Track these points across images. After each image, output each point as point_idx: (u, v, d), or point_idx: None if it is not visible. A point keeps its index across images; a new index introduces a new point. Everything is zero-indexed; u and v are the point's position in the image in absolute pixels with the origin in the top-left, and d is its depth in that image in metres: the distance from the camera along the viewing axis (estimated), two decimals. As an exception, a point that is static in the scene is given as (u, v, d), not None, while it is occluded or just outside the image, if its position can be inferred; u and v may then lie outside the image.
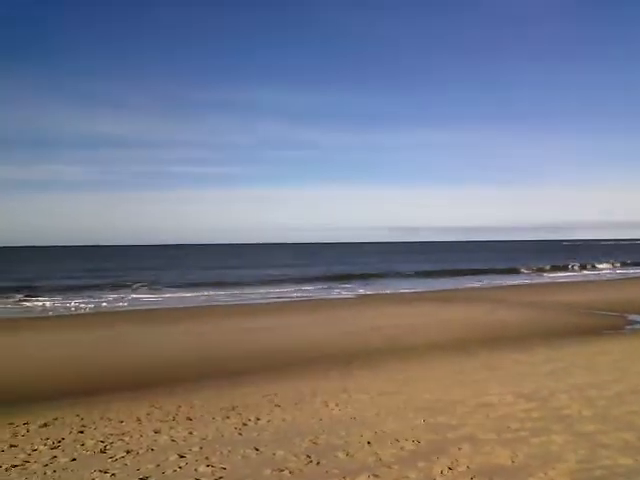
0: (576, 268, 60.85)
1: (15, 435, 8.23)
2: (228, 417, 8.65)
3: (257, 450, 6.30)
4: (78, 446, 7.15)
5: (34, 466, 6.22)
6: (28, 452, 6.97)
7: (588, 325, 19.98)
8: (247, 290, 40.65)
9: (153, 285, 42.42)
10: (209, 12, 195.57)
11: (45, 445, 7.33)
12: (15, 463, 6.40)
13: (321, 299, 33.64)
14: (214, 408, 9.57)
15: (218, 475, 5.39)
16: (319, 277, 48.40)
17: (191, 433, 7.55)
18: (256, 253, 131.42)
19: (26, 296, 35.28)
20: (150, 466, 5.87)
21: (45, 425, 8.92)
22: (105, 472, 5.73)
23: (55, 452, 6.87)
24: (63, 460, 6.41)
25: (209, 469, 5.62)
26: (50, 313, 27.88)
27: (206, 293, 37.67)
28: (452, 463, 5.34)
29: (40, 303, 32.81)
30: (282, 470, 5.45)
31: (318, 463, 5.64)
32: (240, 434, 7.35)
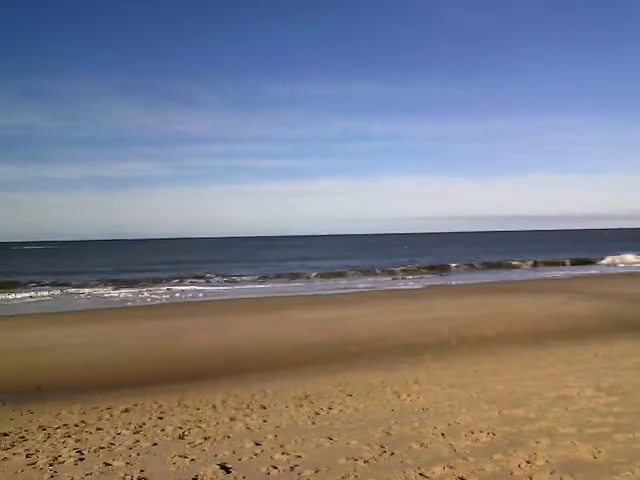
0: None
1: (100, 419, 8.65)
2: (301, 406, 8.78)
3: (331, 439, 6.36)
4: (158, 431, 7.43)
5: (119, 449, 6.50)
6: (113, 435, 7.31)
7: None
8: (317, 281, 41.02)
9: (226, 276, 43.30)
10: (278, 6, 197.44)
11: (128, 429, 7.65)
12: (102, 445, 6.72)
13: (389, 290, 33.50)
14: (287, 397, 9.73)
15: (293, 463, 5.48)
16: (386, 268, 48.08)
17: (265, 421, 7.69)
18: (328, 245, 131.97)
19: (114, 288, 36.87)
20: (227, 453, 6.02)
21: (126, 410, 9.32)
22: (184, 457, 5.92)
23: (137, 436, 7.16)
24: (145, 444, 6.67)
25: (284, 457, 5.71)
26: (129, 304, 29.05)
27: (277, 285, 38.28)
28: (530, 457, 5.21)
29: (119, 294, 34.26)
30: (356, 459, 5.48)
31: (392, 453, 5.64)
32: (313, 423, 7.44)
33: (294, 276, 43.02)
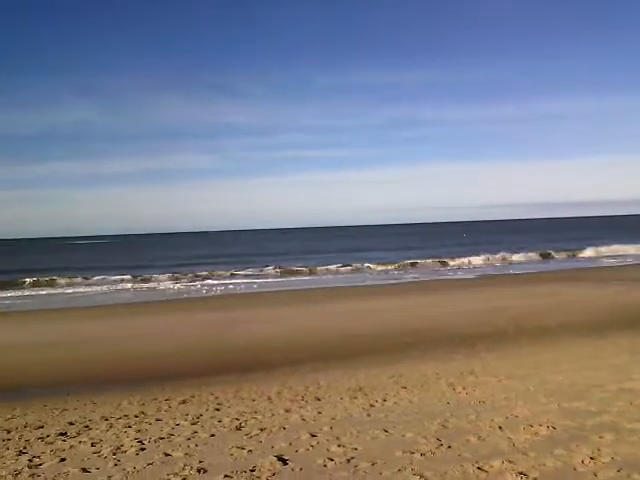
0: None
1: (159, 410, 8.87)
2: (355, 397, 8.78)
3: (386, 431, 6.34)
4: (215, 422, 7.56)
5: (178, 439, 6.65)
6: (172, 426, 7.48)
7: None
8: (370, 271, 40.93)
9: (280, 267, 43.59)
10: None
11: (186, 420, 7.82)
12: (162, 435, 6.89)
13: (441, 279, 33.13)
14: (340, 388, 9.75)
15: (350, 455, 5.48)
16: (438, 257, 47.45)
17: (320, 413, 7.73)
18: (381, 234, 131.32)
19: (170, 280, 37.76)
20: (283, 444, 6.08)
21: (184, 402, 9.53)
22: (242, 448, 6.01)
23: (195, 427, 7.30)
24: (203, 435, 6.80)
25: (340, 449, 5.72)
26: (185, 295, 29.71)
27: (329, 276, 38.39)
28: (594, 452, 5.06)
29: (173, 285, 35.06)
30: (413, 452, 5.45)
31: (449, 447, 5.58)
32: (368, 415, 7.43)
33: (347, 267, 42.86)
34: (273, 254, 66.22)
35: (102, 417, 8.56)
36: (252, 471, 5.16)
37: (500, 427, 6.19)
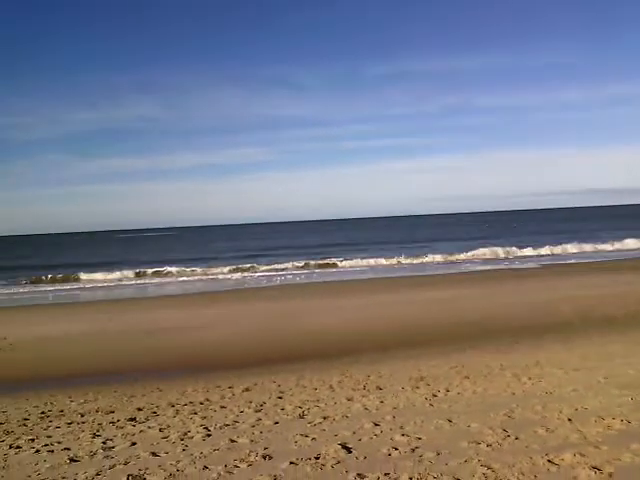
0: None
1: (223, 397, 9.04)
2: (417, 387, 8.70)
3: (450, 421, 6.26)
4: (279, 410, 7.65)
5: (242, 426, 6.76)
6: (236, 413, 7.62)
7: None
8: (430, 260, 40.45)
9: (340, 258, 43.54)
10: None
11: (249, 408, 7.94)
12: (227, 422, 7.02)
13: (505, 269, 32.44)
14: (402, 378, 9.69)
15: (414, 445, 5.44)
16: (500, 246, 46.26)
17: (382, 402, 7.70)
18: (436, 224, 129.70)
19: (231, 270, 38.46)
20: (347, 433, 6.09)
21: (247, 390, 9.68)
22: (306, 436, 6.05)
23: (259, 415, 7.41)
24: (267, 423, 6.89)
25: (404, 438, 5.69)
26: (245, 285, 30.23)
27: (390, 265, 38.19)
28: (672, 447, 4.85)
29: (242, 276, 35.74)
30: (479, 443, 5.35)
31: (517, 438, 5.45)
32: (431, 405, 7.35)
33: (407, 256, 42.39)
34: (333, 245, 66.10)
35: (169, 403, 8.80)
36: (317, 458, 5.19)
37: (569, 419, 6.01)
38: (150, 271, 39.50)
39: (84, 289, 33.21)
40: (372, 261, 40.33)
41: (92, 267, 43.96)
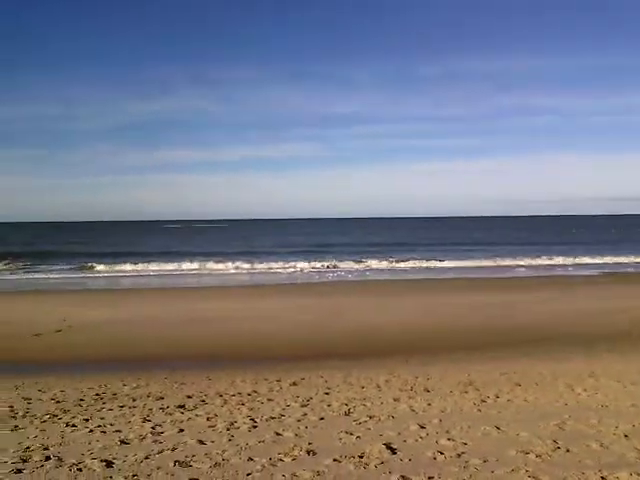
0: None
1: (270, 390, 9.13)
2: (466, 392, 8.57)
3: (498, 429, 6.13)
4: (325, 406, 7.66)
5: (288, 420, 6.81)
6: (283, 407, 7.68)
7: None
8: (480, 264, 39.71)
9: (392, 257, 43.26)
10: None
11: (296, 402, 7.99)
12: (273, 415, 7.08)
13: (561, 275, 31.56)
14: (451, 381, 9.56)
15: (460, 450, 5.35)
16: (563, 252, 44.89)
17: (430, 404, 7.62)
18: (490, 226, 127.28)
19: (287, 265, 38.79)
20: (392, 433, 6.05)
21: (294, 384, 9.74)
22: (350, 434, 6.04)
23: (305, 410, 7.44)
24: (312, 418, 6.92)
25: (450, 443, 5.61)
26: (298, 281, 30.48)
27: (442, 266, 37.71)
28: None
29: (296, 268, 36.07)
30: (527, 453, 5.22)
31: (568, 450, 5.29)
32: (479, 410, 7.22)
33: (458, 258, 41.77)
34: (380, 244, 65.55)
35: (217, 393, 8.95)
36: (360, 457, 5.18)
37: (626, 435, 5.79)
38: (204, 262, 40.15)
39: (138, 276, 34.17)
40: (425, 263, 39.78)
41: (147, 256, 45.19)
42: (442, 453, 5.27)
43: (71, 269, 38.16)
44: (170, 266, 38.13)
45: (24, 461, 5.09)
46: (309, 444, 5.63)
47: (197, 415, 7.22)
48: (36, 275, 35.53)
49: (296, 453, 5.31)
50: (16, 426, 6.71)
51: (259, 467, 4.84)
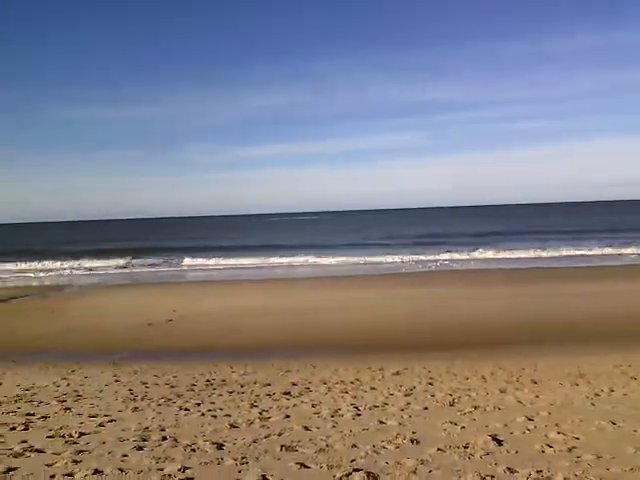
0: None
1: (373, 379, 9.19)
2: (577, 384, 8.21)
3: (614, 424, 5.82)
4: (428, 396, 7.62)
5: (392, 409, 6.83)
6: (386, 395, 7.71)
7: None
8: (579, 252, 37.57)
9: (495, 246, 41.94)
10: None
11: (399, 391, 8.00)
12: (376, 404, 7.14)
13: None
14: (559, 373, 9.18)
15: (571, 444, 5.14)
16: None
17: (537, 397, 7.37)
18: (589, 212, 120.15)
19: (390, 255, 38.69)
20: (498, 424, 5.91)
21: (397, 373, 9.75)
22: (455, 424, 5.97)
23: (408, 399, 7.43)
24: (416, 407, 6.90)
25: (560, 436, 5.40)
26: (404, 270, 30.41)
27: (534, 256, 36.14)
28: None
29: (389, 259, 35.91)
30: (646, 450, 4.94)
31: (693, 450, 4.95)
32: (592, 404, 6.90)
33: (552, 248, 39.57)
34: (490, 233, 63.38)
35: (321, 380, 9.13)
36: (465, 447, 5.11)
37: None
38: (309, 254, 40.75)
39: (244, 268, 35.34)
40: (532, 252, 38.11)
41: (252, 250, 46.63)
42: (551, 446, 5.09)
43: (176, 263, 40.10)
44: (274, 259, 38.90)
45: (144, 440, 5.46)
46: (413, 433, 5.62)
47: (302, 402, 7.41)
48: (148, 269, 37.66)
49: (399, 441, 5.32)
50: (136, 407, 7.20)
51: (363, 454, 4.90)
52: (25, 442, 5.37)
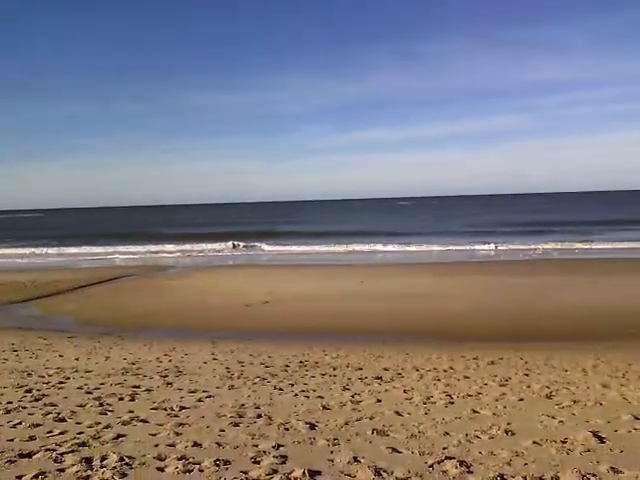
0: None
1: (467, 368, 9.02)
2: (691, 383, 7.67)
3: None
4: (524, 387, 7.38)
5: (486, 399, 6.68)
6: (480, 385, 7.55)
7: None
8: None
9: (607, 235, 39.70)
10: None
11: (494, 381, 7.80)
12: (470, 393, 7.01)
13: None
14: (672, 371, 8.62)
15: (683, 446, 4.82)
16: None
17: (645, 394, 6.96)
18: None
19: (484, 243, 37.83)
20: (599, 421, 5.64)
21: (492, 363, 9.51)
22: (552, 417, 5.75)
23: (503, 389, 7.24)
24: (511, 398, 6.71)
25: (671, 437, 5.08)
26: (502, 257, 29.64)
27: None
28: None
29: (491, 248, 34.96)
30: None
31: None
32: None
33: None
34: (603, 221, 59.65)
35: (413, 367, 9.07)
36: (563, 442, 4.91)
37: None
38: (404, 242, 40.43)
39: (342, 253, 35.63)
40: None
41: (355, 236, 46.92)
42: (661, 447, 4.79)
43: (273, 246, 41.01)
44: (374, 245, 38.81)
45: (240, 416, 5.66)
46: (507, 424, 5.48)
47: (394, 387, 7.40)
48: (247, 252, 38.80)
49: (494, 432, 5.20)
50: (232, 385, 7.47)
51: (455, 442, 4.83)
52: (132, 412, 5.72)
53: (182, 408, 5.98)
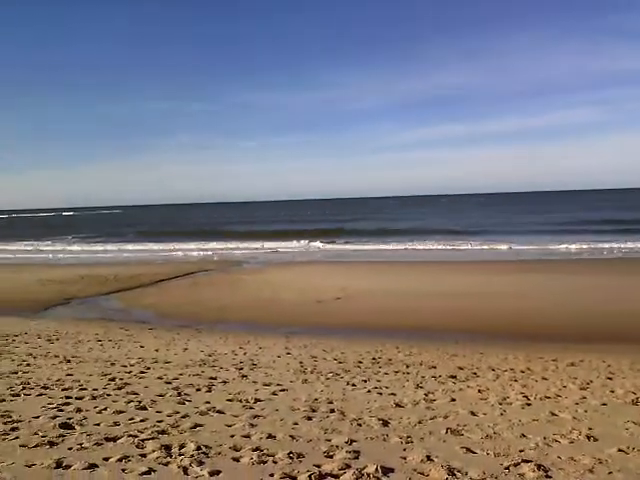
0: None
1: (545, 369, 8.74)
2: None
3: None
4: (607, 391, 7.07)
5: (565, 402, 6.44)
6: (559, 387, 7.29)
7: None
8: None
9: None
10: None
11: (574, 384, 7.52)
12: (548, 395, 6.78)
13: None
14: None
15: None
16: None
17: None
18: None
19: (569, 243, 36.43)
20: (691, 429, 5.33)
21: (572, 365, 9.17)
22: (639, 425, 5.48)
23: (584, 393, 6.96)
24: (593, 402, 6.44)
25: None
26: (585, 255, 28.57)
27: None
28: None
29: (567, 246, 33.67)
30: None
31: None
32: None
33: None
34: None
35: (489, 367, 8.87)
36: (652, 452, 4.67)
37: None
38: (474, 240, 39.56)
39: (410, 250, 35.31)
40: None
41: (426, 234, 46.30)
42: None
43: (344, 244, 41.07)
44: (426, 245, 38.17)
45: (313, 410, 5.71)
46: (589, 429, 5.26)
47: (469, 386, 7.26)
48: (320, 249, 39.04)
49: (574, 436, 5.01)
50: (306, 380, 7.55)
51: (532, 445, 4.69)
52: (208, 403, 5.89)
53: (257, 400, 6.10)
